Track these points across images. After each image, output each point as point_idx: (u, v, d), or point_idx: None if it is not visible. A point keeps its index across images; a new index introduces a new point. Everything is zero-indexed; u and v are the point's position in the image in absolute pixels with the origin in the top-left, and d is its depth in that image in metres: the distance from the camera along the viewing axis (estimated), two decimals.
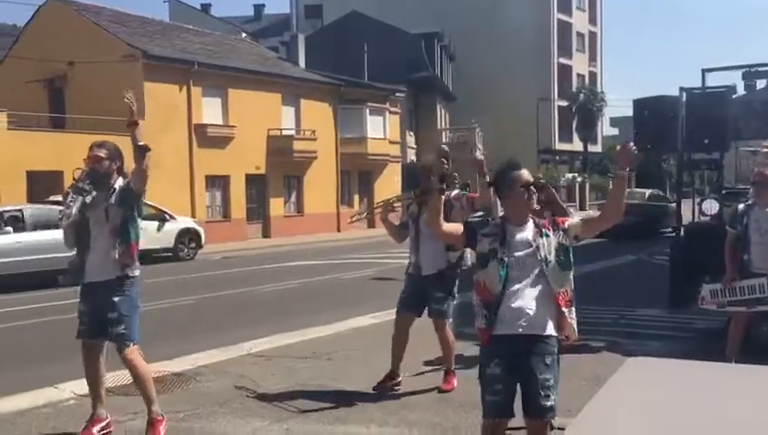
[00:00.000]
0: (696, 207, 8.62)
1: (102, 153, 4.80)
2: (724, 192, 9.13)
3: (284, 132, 28.65)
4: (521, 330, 3.48)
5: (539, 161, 50.21)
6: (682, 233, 8.66)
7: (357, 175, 31.92)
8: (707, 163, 9.06)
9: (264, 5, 68.06)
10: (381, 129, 32.12)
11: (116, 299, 4.68)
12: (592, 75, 60.63)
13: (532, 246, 3.55)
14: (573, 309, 3.65)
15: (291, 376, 6.60)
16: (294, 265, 17.77)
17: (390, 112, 33.08)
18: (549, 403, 3.47)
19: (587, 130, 54.33)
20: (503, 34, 50.06)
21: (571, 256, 3.62)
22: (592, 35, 61.17)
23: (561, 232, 3.62)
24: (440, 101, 44.43)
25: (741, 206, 6.69)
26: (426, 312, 6.02)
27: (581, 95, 54.13)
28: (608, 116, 65.90)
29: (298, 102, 29.50)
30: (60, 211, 4.98)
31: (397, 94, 34.11)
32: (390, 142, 32.71)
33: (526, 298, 3.50)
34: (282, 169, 28.47)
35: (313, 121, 29.50)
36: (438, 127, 43.56)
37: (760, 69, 9.08)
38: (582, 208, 44.88)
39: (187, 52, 26.81)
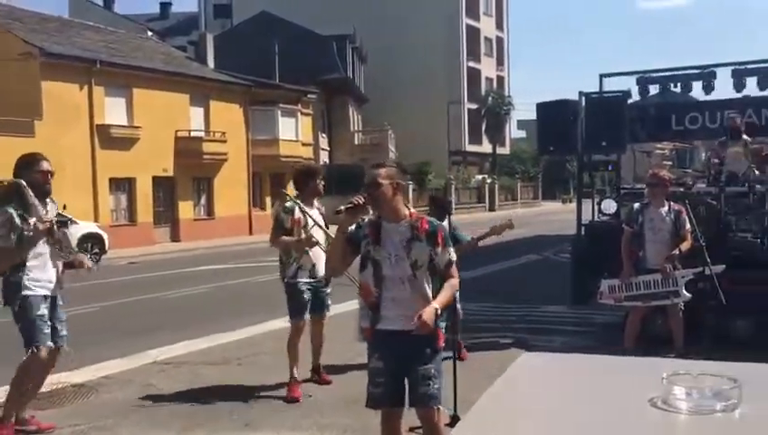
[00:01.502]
0: (596, 207, 8.99)
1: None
2: (622, 192, 9.54)
3: (193, 134, 27.97)
4: (398, 326, 3.64)
5: (450, 163, 51.17)
6: (582, 231, 8.99)
7: (269, 177, 31.54)
8: (606, 164, 9.46)
9: (170, 3, 66.27)
10: (294, 130, 31.86)
11: None
12: (500, 79, 62.34)
13: (404, 246, 3.67)
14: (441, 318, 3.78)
15: (199, 383, 6.45)
16: (205, 270, 17.37)
17: (303, 114, 32.88)
18: (431, 391, 3.65)
19: (496, 132, 55.80)
20: (414, 38, 50.72)
21: (437, 272, 3.76)
22: (500, 40, 62.89)
23: (433, 246, 3.67)
24: (352, 102, 44.54)
25: (636, 205, 7.04)
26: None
27: (490, 99, 55.58)
28: (515, 119, 68.02)
29: (207, 103, 28.88)
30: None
31: (309, 96, 33.94)
32: (303, 144, 32.50)
33: (398, 297, 3.67)
34: (191, 171, 27.78)
35: (223, 123, 28.94)
36: (351, 129, 43.66)
37: (653, 75, 9.58)
38: (492, 209, 45.99)
39: (89, 50, 25.76)
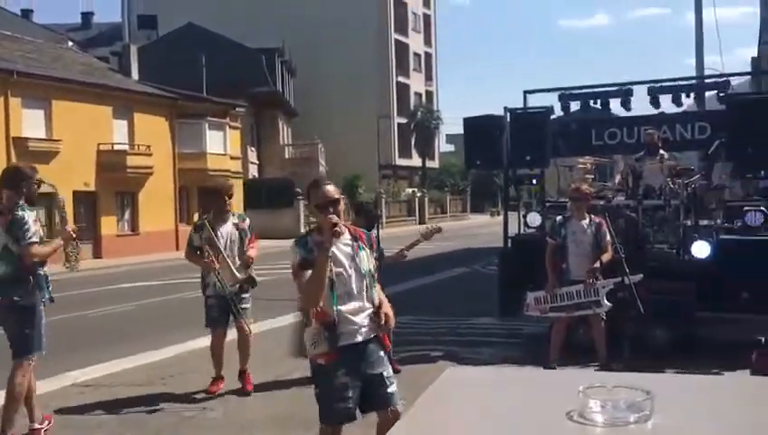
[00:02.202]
0: (522, 220, 9.19)
1: None
2: (546, 205, 9.77)
3: (116, 147, 27.14)
4: (359, 338, 3.72)
5: (380, 176, 51.47)
6: (509, 244, 9.17)
7: (197, 191, 30.93)
8: (530, 178, 9.68)
9: (92, 13, 64.40)
10: (222, 144, 31.38)
11: None
12: (429, 94, 63.26)
13: (354, 258, 3.73)
14: None
15: (121, 405, 6.23)
16: (129, 287, 16.85)
17: (231, 127, 32.43)
18: (393, 389, 3.80)
19: (425, 146, 56.49)
20: (343, 52, 50.97)
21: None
22: (428, 56, 63.85)
23: (372, 251, 3.87)
24: (282, 116, 44.29)
25: (559, 218, 7.23)
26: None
27: (419, 113, 56.30)
28: (444, 133, 69.06)
29: (131, 116, 28.11)
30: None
31: (237, 109, 33.52)
32: (231, 158, 32.03)
33: (357, 308, 3.72)
34: (114, 185, 26.95)
35: (148, 136, 28.22)
36: (281, 142, 43.39)
37: (574, 92, 9.87)
38: (422, 222, 46.40)
39: (5, 60, 24.70)
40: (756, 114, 7.75)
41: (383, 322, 3.77)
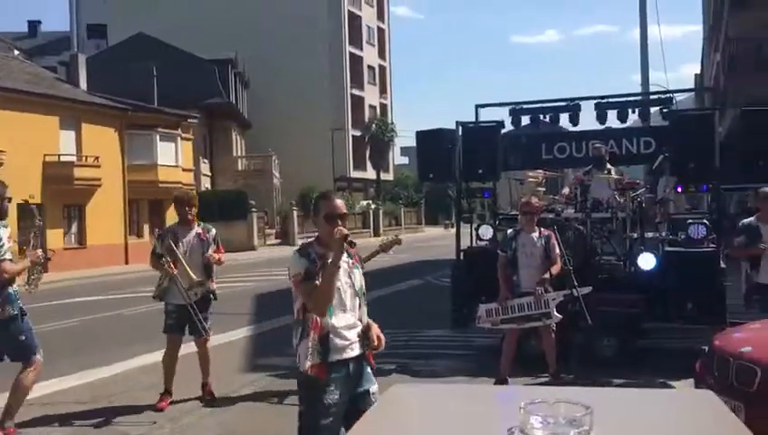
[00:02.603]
0: (474, 232, 9.27)
1: None
2: (500, 218, 9.88)
3: (63, 158, 26.46)
4: (351, 353, 3.73)
5: (335, 189, 51.40)
6: (461, 257, 9.23)
7: (147, 204, 30.37)
8: (482, 191, 9.79)
9: (39, 22, 62.92)
10: (173, 155, 30.91)
11: None
12: (383, 107, 63.54)
13: (350, 274, 3.76)
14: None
15: (64, 424, 6.06)
16: (76, 302, 16.41)
17: (183, 139, 31.99)
18: None
19: (380, 158, 56.71)
20: (297, 64, 50.91)
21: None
22: (382, 69, 64.19)
23: (361, 266, 3.89)
24: (236, 128, 43.91)
25: (510, 232, 7.32)
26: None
27: (374, 126, 56.50)
28: (398, 146, 69.42)
29: (79, 126, 27.48)
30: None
31: (189, 120, 33.10)
32: (183, 170, 31.58)
33: (349, 324, 3.74)
34: (61, 197, 26.25)
35: (97, 147, 27.63)
36: (234, 154, 43.00)
37: (524, 106, 10.05)
38: (377, 234, 46.44)
39: None
40: (697, 130, 7.99)
41: (375, 343, 3.80)
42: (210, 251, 6.66)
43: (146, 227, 30.28)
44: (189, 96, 35.10)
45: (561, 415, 1.49)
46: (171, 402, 6.57)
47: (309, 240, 3.92)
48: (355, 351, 3.73)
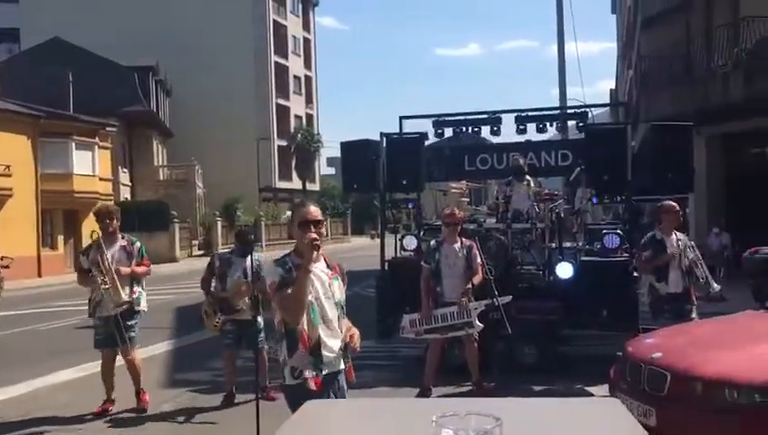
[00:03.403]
0: (398, 243, 9.32)
1: None
2: (425, 228, 9.97)
3: None
4: (338, 366, 3.69)
5: (260, 199, 50.80)
6: (386, 267, 9.27)
7: (61, 214, 29.18)
8: (406, 202, 9.87)
9: None
10: (90, 165, 29.84)
11: None
12: (309, 117, 63.28)
13: (329, 285, 3.70)
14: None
15: None
16: None
17: (101, 147, 30.94)
18: None
19: (305, 169, 56.38)
20: (221, 73, 50.13)
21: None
22: (308, 79, 63.97)
23: (343, 279, 3.81)
24: (157, 136, 42.82)
25: (433, 243, 7.40)
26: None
27: (299, 136, 56.16)
28: (325, 156, 69.25)
29: None
30: None
31: (108, 128, 32.03)
32: (101, 179, 30.54)
33: (333, 337, 3.66)
34: None
35: (8, 155, 26.37)
36: (155, 164, 41.89)
37: (447, 118, 10.20)
38: None
39: None
40: (610, 143, 8.31)
41: (352, 343, 3.70)
42: (134, 263, 6.69)
43: (60, 239, 29.13)
44: (108, 104, 34.01)
45: (472, 428, 1.51)
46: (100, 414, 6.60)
47: (287, 251, 3.83)
48: (338, 365, 3.68)
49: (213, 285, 7.20)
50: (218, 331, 7.11)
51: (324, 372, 3.58)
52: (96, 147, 30.45)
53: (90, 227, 7.57)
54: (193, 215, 39.72)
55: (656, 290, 7.01)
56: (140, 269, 6.79)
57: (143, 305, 6.81)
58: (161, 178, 41.69)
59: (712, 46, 16.24)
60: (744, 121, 16.33)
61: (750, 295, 9.63)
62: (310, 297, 3.56)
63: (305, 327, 3.57)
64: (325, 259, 3.76)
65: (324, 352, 3.59)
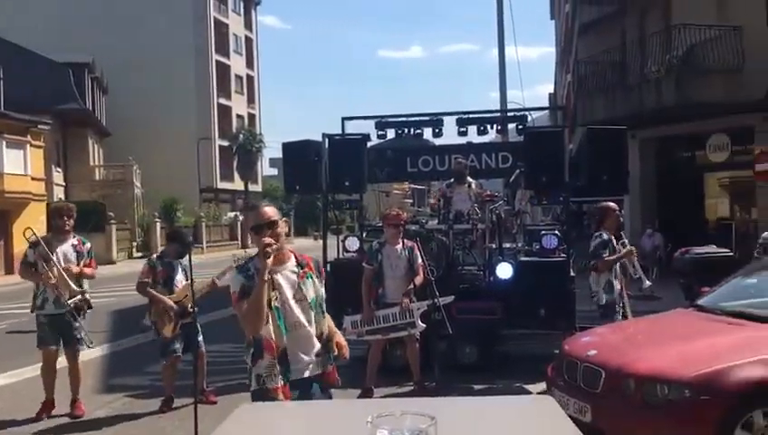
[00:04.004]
0: (341, 244, 9.30)
1: None
2: (367, 229, 9.97)
3: None
4: (308, 373, 3.47)
5: (201, 200, 49.95)
6: (328, 268, 9.22)
7: None
8: (349, 203, 9.85)
9: None
10: (21, 164, 28.76)
11: None
12: (251, 117, 62.59)
13: (299, 286, 3.48)
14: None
15: None
16: None
17: (33, 146, 29.86)
18: None
19: (247, 169, 55.67)
20: (161, 71, 49.12)
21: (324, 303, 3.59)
22: (250, 78, 63.27)
23: (320, 280, 3.60)
24: (93, 135, 41.61)
25: (375, 244, 7.41)
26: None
27: (241, 136, 55.44)
28: (267, 157, 68.51)
29: None
30: None
31: (40, 126, 30.95)
32: (33, 179, 29.49)
33: (307, 341, 3.46)
34: None
35: None
36: (91, 163, 40.70)
37: (390, 120, 10.23)
38: (245, 246, 45.56)
39: None
40: (548, 146, 8.47)
41: (335, 352, 3.56)
42: (82, 263, 6.64)
43: None
44: (41, 101, 32.89)
45: (407, 427, 1.52)
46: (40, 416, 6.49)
47: (252, 255, 3.62)
48: (312, 370, 3.47)
49: (157, 290, 6.89)
50: (173, 336, 6.84)
51: (295, 378, 3.43)
52: (28, 145, 29.39)
53: (21, 228, 7.33)
54: (131, 216, 38.76)
55: (613, 288, 7.17)
56: (89, 270, 6.75)
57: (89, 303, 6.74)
58: (97, 178, 40.55)
59: (645, 53, 16.78)
60: (675, 126, 16.94)
61: (681, 294, 9.99)
62: (275, 303, 3.40)
63: (271, 335, 3.40)
64: (295, 256, 3.57)
65: (293, 359, 3.43)
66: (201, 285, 6.70)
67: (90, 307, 6.76)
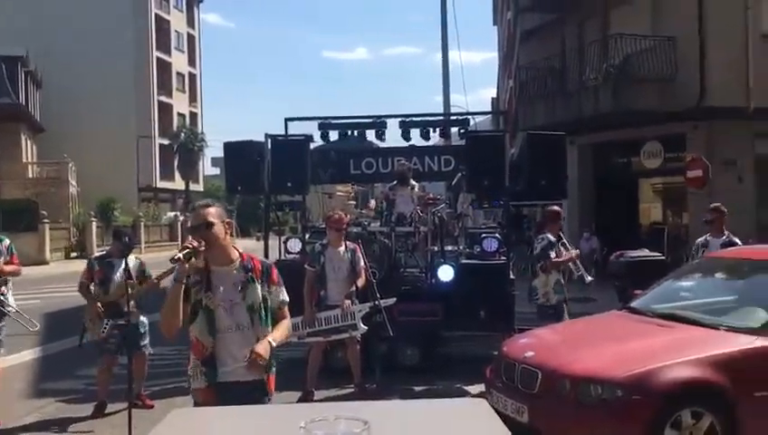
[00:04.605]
0: (283, 245, 9.23)
1: None
2: (311, 231, 9.91)
3: None
4: (237, 377, 3.40)
5: (140, 199, 48.82)
6: None
7: None
8: (291, 204, 9.78)
9: None
10: None
11: None
12: (193, 115, 61.54)
13: (239, 290, 3.43)
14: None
15: None
16: None
17: None
18: None
19: (189, 168, 54.66)
20: (99, 66, 47.80)
21: (270, 309, 3.52)
22: (192, 76, 62.20)
23: (267, 285, 3.51)
24: (25, 131, 40.20)
25: (317, 246, 7.37)
26: None
27: (183, 134, 54.42)
28: (209, 156, 67.44)
29: None
30: None
31: None
32: None
33: (239, 345, 3.40)
34: None
35: None
36: (23, 160, 39.30)
37: (333, 121, 10.21)
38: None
39: None
40: (489, 150, 8.60)
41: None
42: (2, 261, 6.37)
43: None
44: None
45: (341, 432, 1.52)
46: None
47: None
48: (244, 375, 3.40)
49: (93, 290, 6.77)
50: (104, 337, 6.68)
51: (221, 381, 3.40)
52: None
53: None
54: (66, 215, 37.56)
55: (563, 288, 7.34)
56: (9, 268, 6.47)
57: (12, 303, 6.48)
58: (30, 175, 39.18)
59: (584, 61, 17.19)
60: (612, 132, 17.41)
61: (615, 296, 10.27)
62: (209, 304, 3.39)
63: (198, 336, 3.41)
64: (243, 259, 3.52)
65: (221, 363, 3.39)
66: (142, 288, 6.58)
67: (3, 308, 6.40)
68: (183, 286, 3.33)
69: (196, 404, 3.43)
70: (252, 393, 3.41)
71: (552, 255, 7.36)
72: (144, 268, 6.82)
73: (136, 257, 6.96)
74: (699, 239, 8.14)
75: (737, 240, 7.78)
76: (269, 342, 3.42)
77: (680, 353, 4.71)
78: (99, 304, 6.61)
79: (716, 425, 4.49)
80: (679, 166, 15.88)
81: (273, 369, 3.57)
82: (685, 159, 15.41)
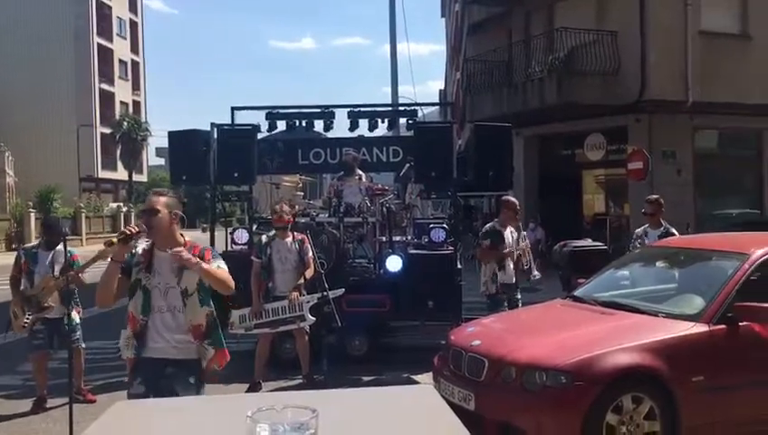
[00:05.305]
0: (229, 237, 9.12)
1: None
2: (259, 221, 9.80)
3: None
4: (164, 355, 3.67)
5: (81, 189, 47.54)
6: None
7: None
8: (238, 195, 9.66)
9: None
10: None
11: None
12: (136, 104, 60.18)
13: (175, 274, 3.68)
14: (208, 341, 3.78)
15: None
16: None
17: None
18: None
19: (132, 158, 53.44)
20: (37, 52, 46.31)
21: (209, 294, 3.79)
22: (135, 64, 60.79)
23: (195, 270, 3.70)
24: None
25: (264, 238, 7.31)
26: None
27: (125, 123, 53.14)
28: (153, 146, 66.07)
29: None
30: None
31: None
32: None
33: (169, 326, 3.68)
34: None
35: None
36: None
37: (281, 111, 10.11)
38: None
39: None
40: (437, 141, 8.65)
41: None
42: None
43: None
44: None
45: (288, 421, 1.51)
46: None
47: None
48: (172, 353, 3.67)
49: (22, 282, 6.57)
50: (27, 331, 6.49)
51: (145, 355, 3.67)
52: None
53: None
54: (2, 206, 36.32)
55: (497, 279, 7.44)
56: None
57: None
58: None
59: (530, 53, 17.44)
60: (557, 125, 17.73)
61: (559, 285, 10.50)
62: (147, 284, 3.67)
63: (134, 311, 3.71)
64: (185, 246, 3.72)
65: (150, 338, 3.67)
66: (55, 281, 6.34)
67: None
68: (119, 266, 3.61)
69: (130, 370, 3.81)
70: (178, 372, 3.66)
71: (486, 243, 7.46)
72: (74, 261, 6.46)
73: (70, 251, 6.67)
74: (638, 230, 8.37)
75: (675, 231, 8.03)
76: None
77: (621, 340, 4.83)
78: (16, 300, 6.43)
79: (655, 409, 4.63)
80: (621, 158, 16.28)
81: (211, 349, 3.77)
82: (626, 152, 15.80)
